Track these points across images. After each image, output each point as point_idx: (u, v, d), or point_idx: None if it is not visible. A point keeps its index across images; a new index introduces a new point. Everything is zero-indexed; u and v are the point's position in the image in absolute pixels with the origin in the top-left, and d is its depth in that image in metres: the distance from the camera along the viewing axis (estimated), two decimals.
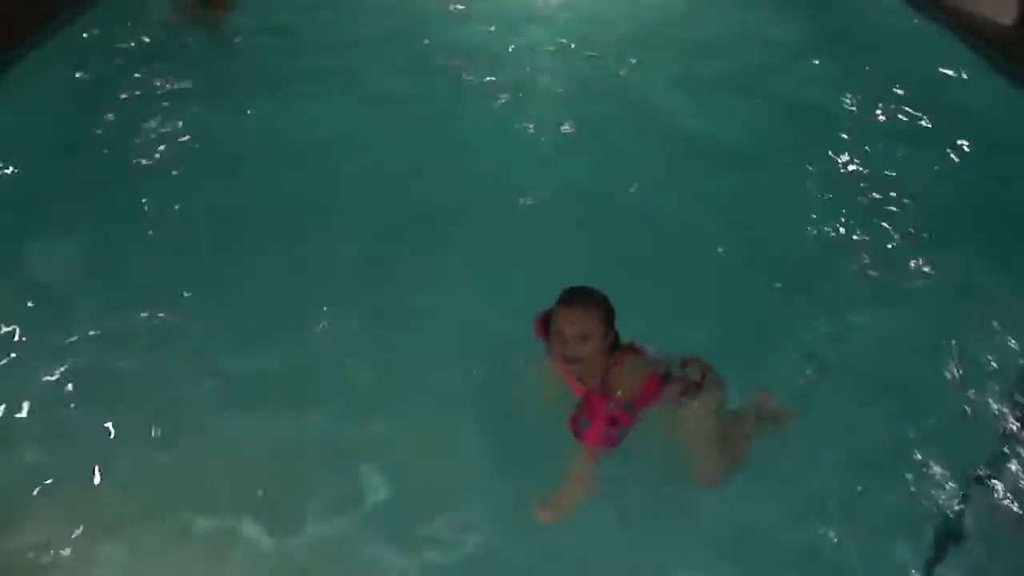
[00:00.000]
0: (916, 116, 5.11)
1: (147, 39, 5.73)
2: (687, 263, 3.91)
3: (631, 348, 2.77)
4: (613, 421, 2.60)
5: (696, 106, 5.21)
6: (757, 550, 2.80)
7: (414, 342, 3.46)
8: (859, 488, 2.94)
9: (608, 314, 2.67)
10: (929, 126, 5.04)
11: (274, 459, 3.05)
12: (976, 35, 5.98)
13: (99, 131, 4.78)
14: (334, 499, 2.93)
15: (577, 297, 2.66)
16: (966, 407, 3.23)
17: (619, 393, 2.62)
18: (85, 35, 5.77)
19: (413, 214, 4.18)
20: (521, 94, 5.26)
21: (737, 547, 2.80)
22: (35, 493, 2.88)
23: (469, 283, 3.75)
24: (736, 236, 4.05)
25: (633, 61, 5.76)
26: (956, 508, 2.87)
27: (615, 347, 2.73)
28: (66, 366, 3.32)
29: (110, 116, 4.90)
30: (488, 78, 5.43)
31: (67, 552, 2.72)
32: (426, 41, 5.91)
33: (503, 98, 5.23)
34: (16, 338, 3.44)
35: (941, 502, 2.89)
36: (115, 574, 2.70)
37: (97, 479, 2.94)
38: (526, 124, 4.95)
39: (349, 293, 3.69)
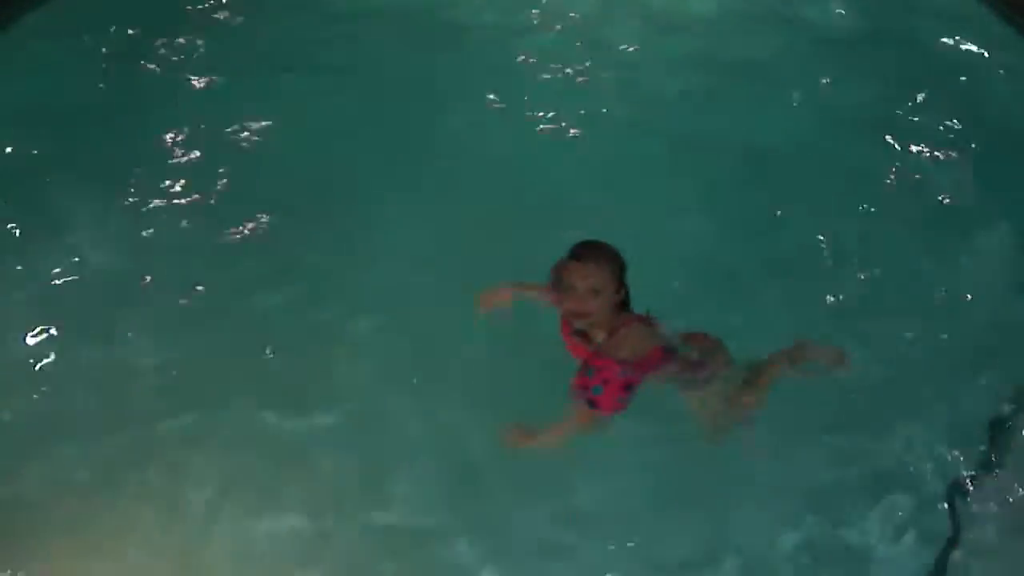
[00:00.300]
0: (952, 106, 4.88)
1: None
2: (694, 247, 3.88)
3: (643, 317, 2.74)
4: (627, 386, 2.56)
5: (713, 89, 5.02)
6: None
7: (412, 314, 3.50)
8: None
9: (619, 268, 2.64)
10: (964, 118, 4.80)
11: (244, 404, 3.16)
12: None
13: (100, 94, 4.79)
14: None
15: (589, 250, 2.63)
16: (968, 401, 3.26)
17: (622, 353, 2.59)
18: None
19: (414, 189, 4.18)
20: (530, 71, 5.10)
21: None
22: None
23: (478, 251, 3.73)
24: (747, 220, 4.05)
25: (646, 35, 5.53)
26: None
27: (625, 305, 2.70)
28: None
29: (111, 79, 4.88)
30: (497, 51, 5.28)
31: None
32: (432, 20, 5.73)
33: (511, 74, 5.08)
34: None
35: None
36: None
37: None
38: (529, 104, 4.81)
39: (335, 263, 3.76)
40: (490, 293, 3.08)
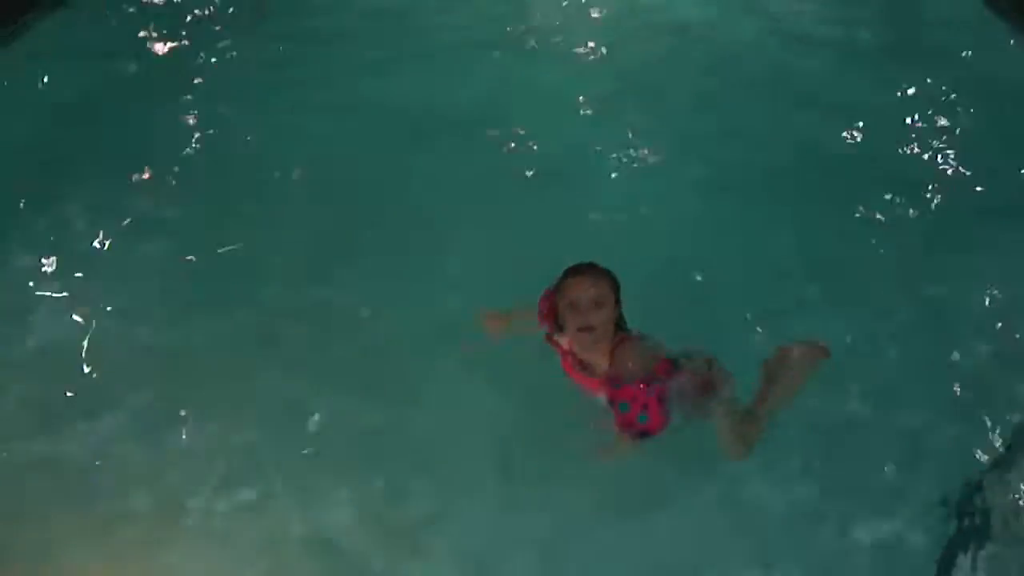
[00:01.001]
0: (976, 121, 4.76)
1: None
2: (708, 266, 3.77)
3: (636, 335, 2.74)
4: (661, 399, 2.55)
5: (728, 109, 4.92)
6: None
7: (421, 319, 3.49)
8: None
9: (616, 283, 2.66)
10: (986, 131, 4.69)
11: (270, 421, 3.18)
12: None
13: (110, 94, 4.87)
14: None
15: (586, 266, 2.67)
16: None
17: (632, 370, 2.58)
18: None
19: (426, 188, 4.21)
20: (544, 82, 5.07)
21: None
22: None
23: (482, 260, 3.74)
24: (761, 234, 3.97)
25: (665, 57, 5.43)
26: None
27: (620, 326, 2.70)
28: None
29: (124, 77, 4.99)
30: (516, 58, 5.29)
31: None
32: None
33: (535, 84, 5.05)
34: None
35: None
36: None
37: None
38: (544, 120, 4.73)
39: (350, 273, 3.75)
40: (486, 320, 3.09)
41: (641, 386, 2.54)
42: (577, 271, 2.65)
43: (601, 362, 2.68)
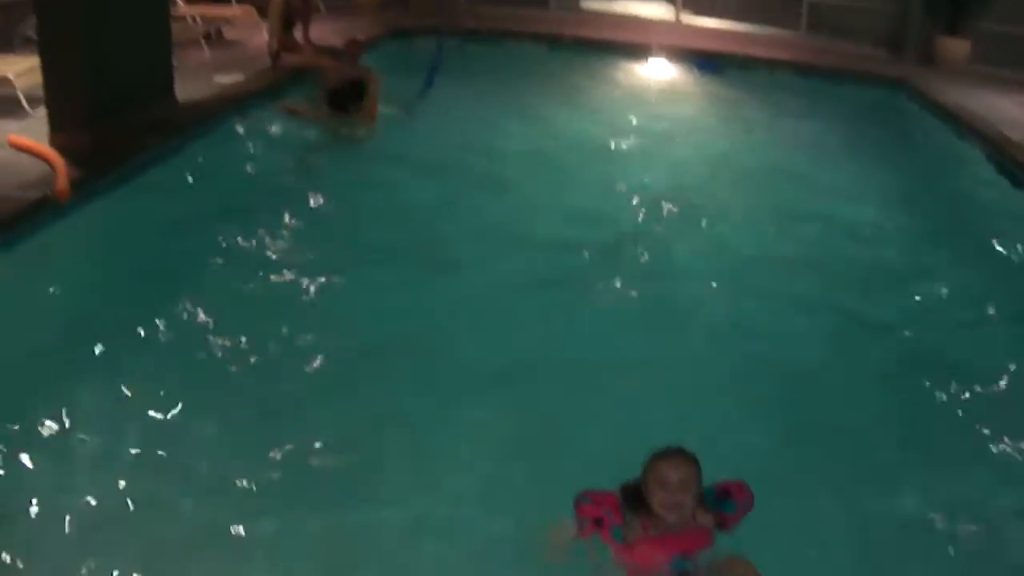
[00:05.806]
0: None
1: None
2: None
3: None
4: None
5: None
6: None
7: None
8: None
9: (699, 466, 2.81)
10: None
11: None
12: None
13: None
14: None
15: (675, 448, 2.84)
16: None
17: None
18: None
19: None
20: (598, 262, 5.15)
21: None
22: None
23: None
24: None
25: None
26: None
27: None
28: None
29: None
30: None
31: None
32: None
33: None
34: None
35: None
36: None
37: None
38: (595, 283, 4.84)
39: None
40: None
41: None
42: (667, 452, 2.81)
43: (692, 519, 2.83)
